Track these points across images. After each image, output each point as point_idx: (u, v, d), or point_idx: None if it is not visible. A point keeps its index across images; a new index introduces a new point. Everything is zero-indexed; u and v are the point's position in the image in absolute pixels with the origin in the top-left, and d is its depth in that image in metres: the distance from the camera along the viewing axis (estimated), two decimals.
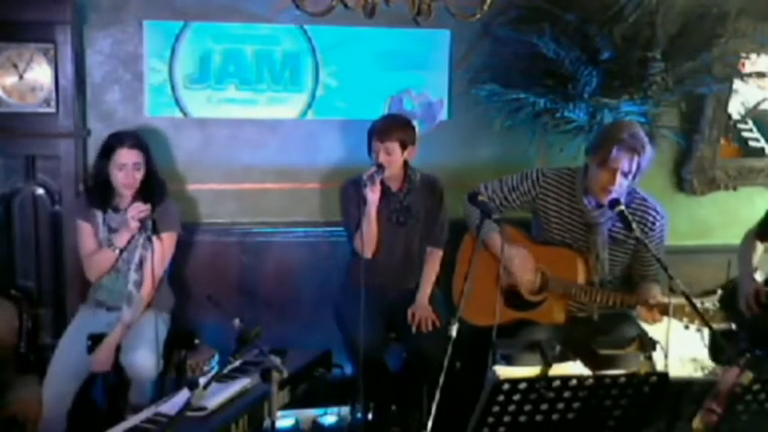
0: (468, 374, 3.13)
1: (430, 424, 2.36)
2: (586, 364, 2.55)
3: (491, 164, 4.06)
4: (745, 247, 3.42)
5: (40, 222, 3.60)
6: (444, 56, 4.03)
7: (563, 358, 2.67)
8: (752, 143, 4.40)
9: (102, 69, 3.74)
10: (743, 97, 4.28)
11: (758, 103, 4.32)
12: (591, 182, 3.08)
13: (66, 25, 3.46)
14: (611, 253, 3.18)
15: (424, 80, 4.05)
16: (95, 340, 3.14)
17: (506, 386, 2.03)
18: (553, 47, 3.62)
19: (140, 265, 3.23)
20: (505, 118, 3.89)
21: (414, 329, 3.43)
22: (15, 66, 3.48)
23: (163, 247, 3.23)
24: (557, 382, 2.06)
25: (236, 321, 2.47)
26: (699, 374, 3.09)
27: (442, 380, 2.40)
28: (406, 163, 3.53)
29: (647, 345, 2.99)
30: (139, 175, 3.23)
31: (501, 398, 2.03)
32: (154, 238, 3.12)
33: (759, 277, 3.34)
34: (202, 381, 2.30)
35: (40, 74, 3.49)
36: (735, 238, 3.53)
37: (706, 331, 2.76)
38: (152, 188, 3.27)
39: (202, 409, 2.43)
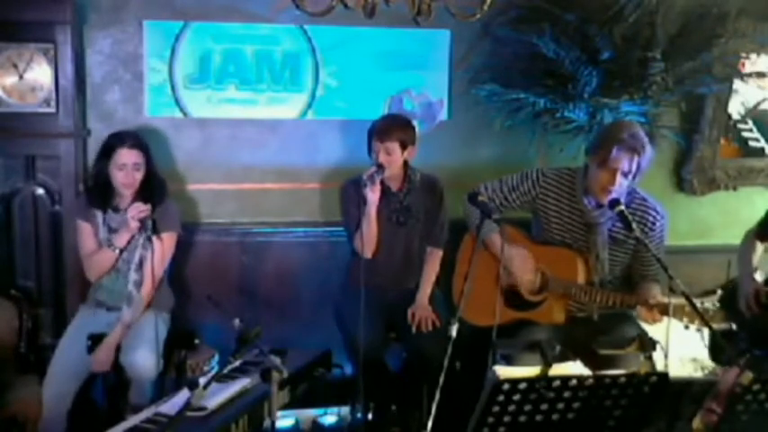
0: (468, 374, 3.13)
1: (430, 424, 2.36)
2: (586, 364, 2.55)
3: (491, 164, 4.06)
4: (745, 247, 3.42)
5: (40, 222, 3.60)
6: (444, 56, 4.03)
7: (563, 358, 2.67)
8: (752, 143, 4.40)
9: (102, 69, 3.74)
10: (743, 97, 4.28)
11: (758, 103, 4.32)
12: (591, 182, 3.08)
13: (66, 25, 3.46)
14: (611, 253, 3.18)
15: (424, 80, 4.05)
16: (95, 340, 3.14)
17: (506, 386, 2.03)
18: (553, 47, 3.62)
19: (140, 265, 3.23)
20: (505, 118, 3.89)
21: (414, 329, 3.43)
22: (15, 66, 3.48)
23: (163, 248, 3.23)
24: (557, 382, 2.06)
25: (236, 321, 2.47)
26: (699, 374, 3.09)
27: (442, 380, 2.40)
28: (406, 163, 3.53)
29: (647, 345, 2.99)
30: (139, 175, 3.23)
31: (501, 398, 2.03)
32: (154, 238, 3.12)
33: (759, 277, 3.34)
34: (202, 381, 2.30)
35: (40, 74, 3.49)
36: (735, 238, 3.53)
37: (706, 331, 2.76)
38: (152, 188, 3.27)
39: (202, 409, 2.42)
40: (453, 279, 3.52)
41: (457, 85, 4.04)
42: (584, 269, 3.15)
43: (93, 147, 3.51)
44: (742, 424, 2.18)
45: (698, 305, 2.63)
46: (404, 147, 3.44)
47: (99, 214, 3.27)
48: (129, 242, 3.23)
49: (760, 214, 3.43)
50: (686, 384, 2.27)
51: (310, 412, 3.80)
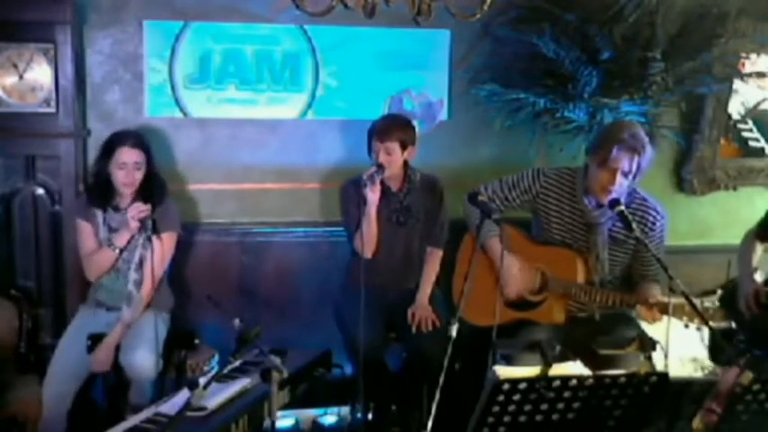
0: (468, 374, 3.13)
1: (430, 424, 2.36)
2: (586, 364, 2.56)
3: (491, 164, 4.06)
4: (745, 247, 3.42)
5: (40, 222, 3.60)
6: (444, 56, 4.03)
7: (563, 358, 2.67)
8: (752, 143, 4.40)
9: (102, 69, 3.74)
10: (743, 97, 4.28)
11: (758, 103, 4.32)
12: (591, 182, 3.08)
13: (66, 25, 3.46)
14: (611, 253, 3.17)
15: (424, 80, 4.05)
16: (95, 340, 3.14)
17: (506, 386, 2.03)
18: (553, 47, 3.62)
19: (140, 264, 3.23)
20: (505, 118, 3.89)
21: (414, 329, 3.43)
22: (15, 66, 3.48)
23: (163, 247, 3.23)
24: (557, 382, 2.06)
25: (236, 321, 2.47)
26: (699, 374, 3.09)
27: (442, 380, 2.40)
28: (406, 163, 3.53)
29: (647, 345, 2.99)
30: (140, 175, 3.23)
31: (501, 398, 2.03)
32: (154, 238, 3.12)
33: (759, 277, 3.34)
34: (202, 381, 2.30)
35: (40, 74, 3.49)
36: (735, 238, 3.52)
37: (706, 331, 2.76)
38: (152, 188, 3.27)
39: (202, 409, 2.42)
40: (453, 279, 3.52)
41: (457, 85, 4.04)
42: (584, 269, 3.15)
43: (93, 147, 3.51)
44: (742, 424, 2.18)
45: (698, 305, 2.63)
46: (404, 147, 3.44)
47: (99, 214, 3.27)
48: (129, 242, 3.23)
49: (760, 214, 3.42)
50: (686, 384, 2.27)
51: (310, 412, 3.80)
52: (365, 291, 3.03)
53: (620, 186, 2.99)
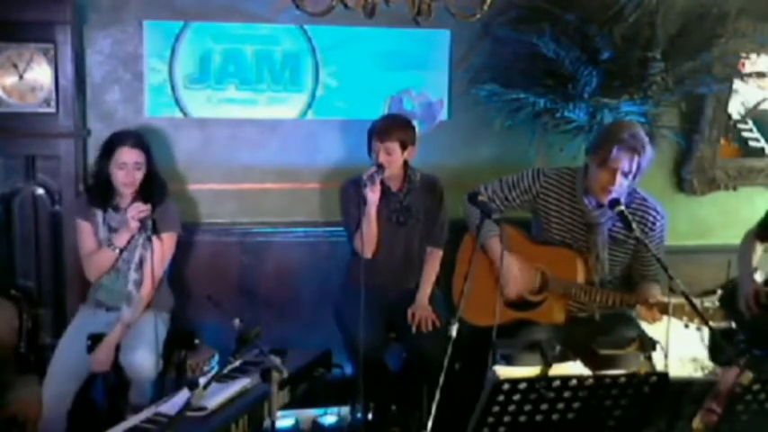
0: (468, 374, 3.13)
1: (430, 424, 2.36)
2: (586, 364, 2.55)
3: (491, 164, 4.06)
4: (745, 247, 3.42)
5: (40, 222, 3.60)
6: (444, 56, 4.03)
7: (563, 358, 2.67)
8: (752, 143, 4.40)
9: (102, 69, 3.74)
10: (743, 97, 4.28)
11: (758, 103, 4.32)
12: (591, 182, 3.08)
13: (66, 25, 3.46)
14: (611, 253, 3.17)
15: (424, 80, 4.05)
16: (95, 340, 3.14)
17: (506, 386, 2.03)
18: (553, 47, 3.62)
19: (140, 264, 3.24)
20: (505, 118, 3.89)
21: (414, 329, 3.43)
22: (15, 66, 3.48)
23: (163, 248, 3.23)
24: (557, 382, 2.06)
25: (236, 321, 2.47)
26: (699, 374, 3.09)
27: (442, 380, 2.40)
28: (406, 163, 3.53)
29: (647, 345, 2.99)
30: (140, 175, 3.23)
31: (501, 398, 2.03)
32: (154, 238, 3.13)
33: (759, 277, 3.34)
34: (202, 381, 2.30)
35: (40, 74, 3.49)
36: (735, 238, 3.53)
37: (706, 331, 2.76)
38: (152, 188, 3.27)
39: (202, 409, 2.42)
40: (453, 279, 3.52)
41: (457, 85, 4.04)
42: (584, 269, 3.15)
43: (94, 147, 3.51)
44: (742, 424, 2.18)
45: (698, 305, 2.63)
46: (404, 147, 3.44)
47: (99, 213, 3.27)
48: (129, 242, 3.23)
49: (760, 214, 3.43)
50: (686, 384, 2.27)
51: (310, 412, 3.80)
52: (365, 291, 3.03)
53: (620, 186, 2.99)
